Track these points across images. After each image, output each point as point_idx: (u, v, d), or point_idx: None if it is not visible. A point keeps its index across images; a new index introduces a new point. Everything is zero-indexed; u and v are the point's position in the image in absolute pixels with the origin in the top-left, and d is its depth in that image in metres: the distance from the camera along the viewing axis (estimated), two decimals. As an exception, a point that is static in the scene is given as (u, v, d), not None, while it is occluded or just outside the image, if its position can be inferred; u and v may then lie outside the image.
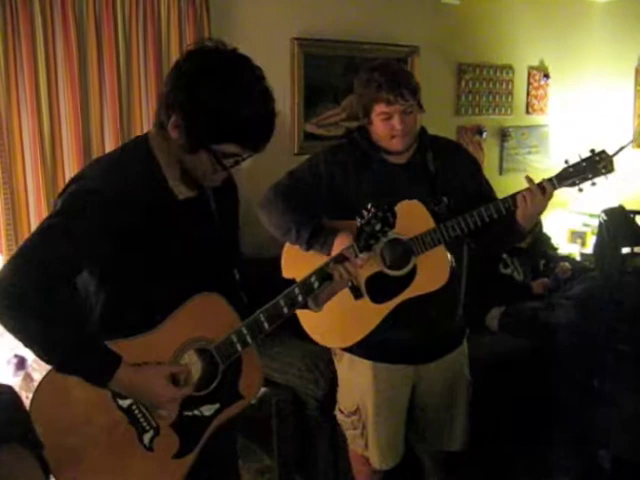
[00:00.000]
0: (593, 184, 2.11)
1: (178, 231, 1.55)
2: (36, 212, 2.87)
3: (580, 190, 2.12)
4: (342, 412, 2.45)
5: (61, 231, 1.43)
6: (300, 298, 1.70)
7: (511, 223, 2.11)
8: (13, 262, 1.41)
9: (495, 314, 3.77)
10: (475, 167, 2.38)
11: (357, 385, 2.35)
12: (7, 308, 1.39)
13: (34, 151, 2.84)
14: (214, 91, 1.41)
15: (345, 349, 2.34)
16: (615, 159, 2.11)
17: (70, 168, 2.92)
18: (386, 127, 2.15)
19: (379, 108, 2.14)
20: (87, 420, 1.48)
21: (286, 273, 2.26)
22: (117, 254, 1.47)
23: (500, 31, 4.63)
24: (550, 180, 2.09)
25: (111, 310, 1.53)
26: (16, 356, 2.50)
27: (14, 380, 2.39)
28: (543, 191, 2.05)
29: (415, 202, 2.13)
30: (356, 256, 1.76)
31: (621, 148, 2.14)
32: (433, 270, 2.18)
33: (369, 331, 2.20)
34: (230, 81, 1.42)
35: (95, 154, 2.97)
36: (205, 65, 1.45)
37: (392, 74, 2.15)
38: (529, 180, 2.08)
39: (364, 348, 2.27)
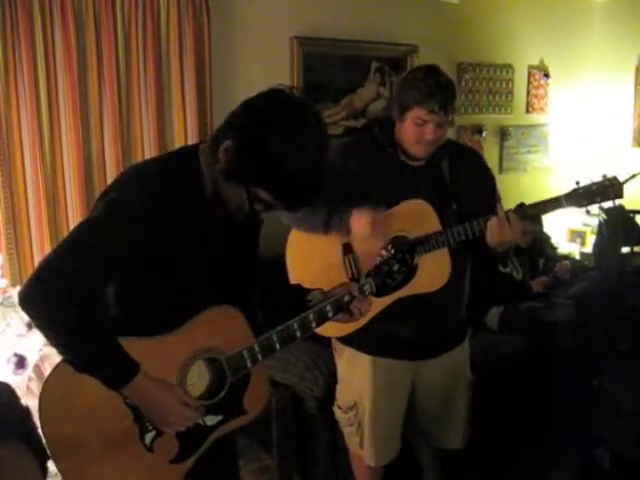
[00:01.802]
0: (600, 208, 2.13)
1: (211, 245, 1.56)
2: (35, 212, 2.87)
3: (587, 212, 2.15)
4: (340, 408, 2.45)
5: (103, 237, 1.43)
6: (314, 324, 1.72)
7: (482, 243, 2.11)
8: (50, 262, 1.42)
9: (495, 313, 3.78)
10: (491, 183, 2.36)
11: (356, 380, 2.35)
12: (36, 308, 1.41)
13: (33, 151, 2.84)
14: (277, 138, 1.37)
15: (346, 343, 2.35)
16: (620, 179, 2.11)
17: (69, 168, 2.92)
18: (416, 132, 2.13)
19: (418, 112, 2.10)
20: (93, 411, 1.49)
21: (291, 267, 2.30)
22: (149, 262, 1.47)
23: (500, 30, 4.63)
24: (519, 209, 2.09)
25: (132, 312, 1.54)
26: (16, 355, 2.50)
27: (14, 379, 2.39)
28: (509, 221, 2.05)
29: (424, 202, 2.14)
30: (372, 292, 1.79)
31: (633, 176, 2.16)
32: (433, 272, 2.18)
33: (362, 324, 2.20)
34: (298, 138, 1.39)
35: (94, 154, 2.98)
36: (283, 109, 1.41)
37: (445, 86, 2.11)
38: (499, 209, 2.08)
39: (365, 342, 2.28)
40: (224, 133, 1.45)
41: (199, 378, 1.61)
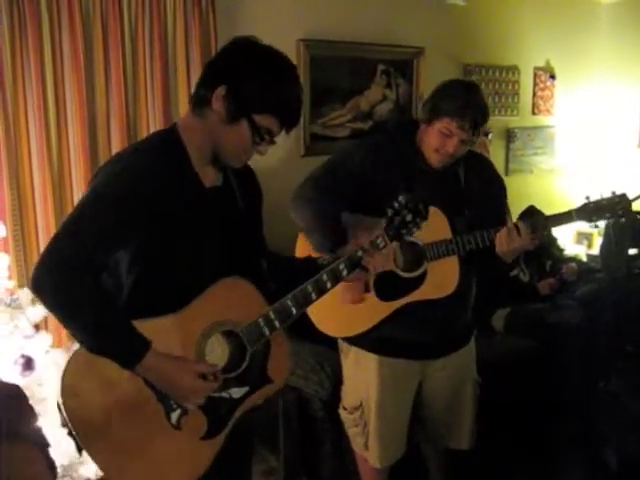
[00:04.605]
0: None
1: (206, 217, 1.59)
2: (43, 215, 2.88)
3: (596, 227, 2.20)
4: (345, 409, 2.45)
5: (97, 211, 1.47)
6: (329, 285, 1.70)
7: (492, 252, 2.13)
8: (51, 247, 1.47)
9: (501, 315, 3.77)
10: (502, 191, 2.37)
11: (362, 380, 2.36)
12: (45, 293, 1.46)
13: (40, 148, 2.84)
14: (261, 68, 1.54)
15: (352, 343, 2.35)
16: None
17: (76, 170, 2.93)
18: (438, 141, 2.14)
19: (447, 124, 2.11)
20: (117, 394, 1.50)
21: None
22: (149, 235, 1.50)
23: (506, 32, 4.62)
24: (530, 220, 2.11)
25: (140, 291, 1.55)
26: (23, 356, 2.51)
27: (21, 380, 2.40)
28: (519, 231, 2.07)
29: (437, 210, 2.13)
30: (385, 245, 1.76)
31: None
32: (442, 279, 2.18)
33: (368, 327, 2.22)
34: (274, 64, 1.56)
35: (101, 151, 2.98)
36: (253, 49, 1.57)
37: (480, 106, 2.14)
38: (509, 219, 2.15)
39: (370, 342, 2.28)
40: (208, 87, 1.55)
41: (218, 351, 1.60)
